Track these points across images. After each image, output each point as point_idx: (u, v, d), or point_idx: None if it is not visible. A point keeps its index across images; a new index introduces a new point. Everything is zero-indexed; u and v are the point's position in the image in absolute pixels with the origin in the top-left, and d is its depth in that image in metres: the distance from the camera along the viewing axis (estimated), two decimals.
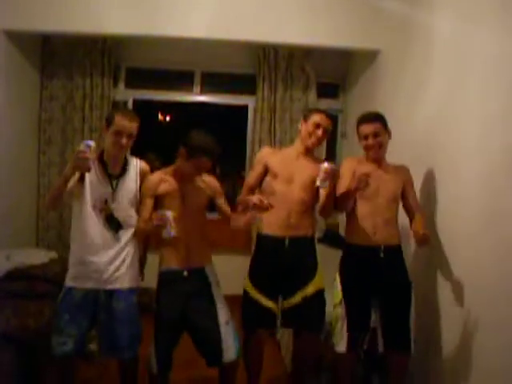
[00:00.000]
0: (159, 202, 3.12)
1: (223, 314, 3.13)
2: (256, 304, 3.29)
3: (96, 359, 3.68)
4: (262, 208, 2.97)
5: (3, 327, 3.27)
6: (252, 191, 3.40)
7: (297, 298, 3.27)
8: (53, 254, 4.41)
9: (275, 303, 3.31)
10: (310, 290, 3.29)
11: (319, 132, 3.32)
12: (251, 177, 3.45)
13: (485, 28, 3.00)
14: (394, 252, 3.31)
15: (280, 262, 3.27)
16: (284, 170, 3.33)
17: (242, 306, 3.36)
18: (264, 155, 3.44)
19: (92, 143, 2.74)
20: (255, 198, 2.98)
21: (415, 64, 3.97)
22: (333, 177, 3.08)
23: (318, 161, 3.37)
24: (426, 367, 3.51)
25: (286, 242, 3.29)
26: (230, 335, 3.12)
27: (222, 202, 3.27)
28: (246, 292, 3.34)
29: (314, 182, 3.23)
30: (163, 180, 3.14)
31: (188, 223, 3.10)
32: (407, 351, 3.25)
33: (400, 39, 4.29)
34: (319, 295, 3.33)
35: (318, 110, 3.43)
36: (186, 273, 3.12)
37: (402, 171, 3.40)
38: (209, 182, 3.24)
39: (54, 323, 2.98)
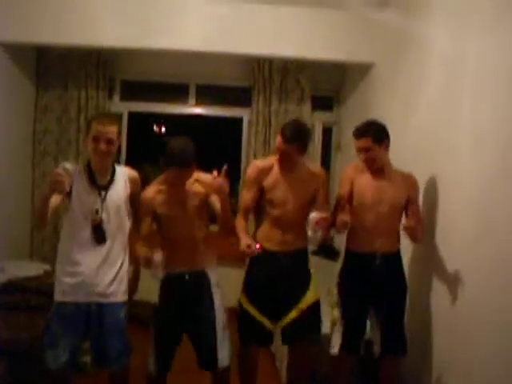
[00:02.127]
0: (158, 212, 3.13)
1: (221, 319, 3.14)
2: (252, 320, 3.26)
3: (89, 371, 3.67)
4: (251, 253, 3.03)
5: None
6: (248, 212, 3.37)
7: (294, 312, 3.26)
8: (47, 267, 4.41)
9: (271, 320, 3.28)
10: (306, 302, 3.28)
11: (284, 158, 3.24)
12: (247, 198, 3.33)
13: (477, 39, 3.03)
14: (392, 259, 3.33)
15: (275, 277, 3.26)
16: (277, 193, 3.26)
17: (238, 320, 3.33)
18: (257, 175, 3.31)
19: (68, 166, 2.72)
20: (244, 245, 3.02)
21: (409, 76, 4.00)
22: (324, 226, 3.03)
23: (308, 171, 3.34)
24: (417, 374, 3.51)
25: (281, 256, 3.28)
26: (226, 342, 3.13)
27: (214, 199, 3.16)
28: (242, 307, 3.31)
29: (307, 198, 3.29)
30: (158, 191, 3.15)
31: (187, 227, 3.13)
32: (403, 354, 3.34)
33: (393, 52, 4.32)
34: (315, 306, 3.32)
35: (285, 128, 3.21)
36: (187, 276, 3.13)
37: (408, 181, 3.35)
38: (203, 179, 3.18)
39: (47, 337, 2.95)
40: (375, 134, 3.24)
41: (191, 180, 3.14)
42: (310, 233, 3.03)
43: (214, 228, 3.32)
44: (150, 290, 3.21)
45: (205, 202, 3.18)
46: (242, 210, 3.33)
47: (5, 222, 4.72)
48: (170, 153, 2.97)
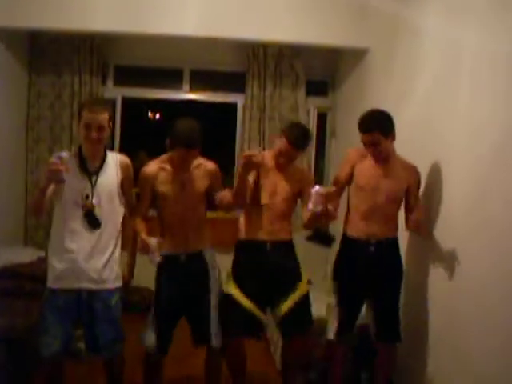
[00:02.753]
0: (158, 190, 3.15)
1: (215, 300, 3.18)
2: (243, 310, 3.22)
3: (84, 358, 3.68)
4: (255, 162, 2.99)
5: None
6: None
7: (288, 304, 3.25)
8: (41, 253, 4.40)
9: (263, 311, 3.27)
10: (298, 293, 3.28)
11: (284, 159, 3.27)
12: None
13: (472, 26, 3.01)
14: (389, 246, 3.33)
15: (263, 266, 3.26)
16: (268, 182, 3.28)
17: (226, 311, 3.24)
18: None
19: (64, 154, 2.72)
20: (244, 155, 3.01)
21: (403, 62, 3.98)
22: (326, 200, 2.98)
23: (298, 170, 3.42)
24: (414, 361, 3.53)
25: (268, 245, 3.28)
26: (218, 323, 3.17)
27: (217, 191, 3.22)
28: (230, 297, 3.25)
29: (294, 193, 3.31)
30: (161, 168, 3.17)
31: (187, 209, 3.16)
32: (397, 341, 3.36)
33: (389, 37, 4.30)
34: (306, 297, 3.34)
35: (293, 134, 3.22)
36: (183, 257, 3.16)
37: (410, 172, 3.32)
38: (208, 168, 3.24)
39: (40, 325, 2.96)
40: (382, 128, 3.17)
41: (194, 163, 3.17)
42: (310, 206, 2.96)
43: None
44: (148, 276, 3.25)
45: (205, 188, 3.21)
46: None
47: None
48: (178, 133, 3.01)
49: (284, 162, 3.29)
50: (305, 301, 3.31)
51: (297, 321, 3.28)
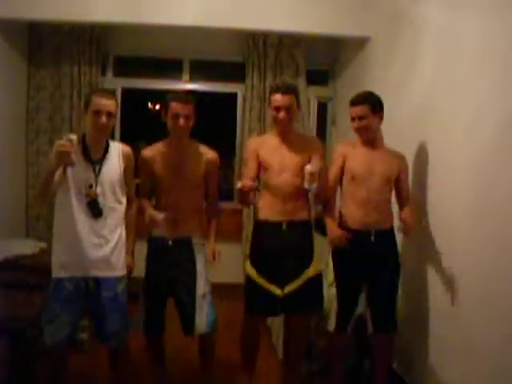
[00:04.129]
0: (155, 172, 3.23)
1: (201, 286, 3.22)
2: (261, 290, 3.26)
3: (86, 348, 3.69)
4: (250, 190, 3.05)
5: None
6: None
7: (298, 281, 3.26)
8: (43, 245, 4.41)
9: (279, 288, 3.27)
10: (310, 272, 3.28)
11: (281, 115, 3.23)
12: (251, 169, 3.34)
13: (473, 15, 2.99)
14: (386, 236, 3.33)
15: (279, 245, 3.27)
16: (274, 160, 3.29)
17: (246, 292, 3.36)
18: (254, 148, 3.37)
19: (73, 136, 2.72)
20: (240, 185, 3.03)
21: (404, 51, 3.96)
22: (319, 177, 3.04)
23: (305, 138, 3.48)
24: (413, 354, 3.53)
25: (284, 225, 3.28)
26: (205, 309, 3.20)
27: (211, 184, 3.33)
28: (249, 278, 3.32)
29: (304, 163, 3.24)
30: (159, 151, 3.25)
31: (181, 193, 3.21)
32: (393, 332, 3.37)
33: (389, 27, 4.28)
34: (318, 277, 3.35)
35: (275, 89, 3.26)
36: (170, 242, 3.21)
37: (399, 158, 3.37)
38: (208, 155, 3.31)
39: (45, 314, 2.95)
40: (373, 103, 3.27)
41: (195, 150, 3.27)
42: (305, 185, 3.06)
43: None
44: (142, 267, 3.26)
45: (203, 175, 3.27)
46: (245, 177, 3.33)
47: None
48: (171, 93, 3.30)
49: (285, 118, 3.23)
50: (315, 283, 3.31)
51: (301, 301, 3.27)
